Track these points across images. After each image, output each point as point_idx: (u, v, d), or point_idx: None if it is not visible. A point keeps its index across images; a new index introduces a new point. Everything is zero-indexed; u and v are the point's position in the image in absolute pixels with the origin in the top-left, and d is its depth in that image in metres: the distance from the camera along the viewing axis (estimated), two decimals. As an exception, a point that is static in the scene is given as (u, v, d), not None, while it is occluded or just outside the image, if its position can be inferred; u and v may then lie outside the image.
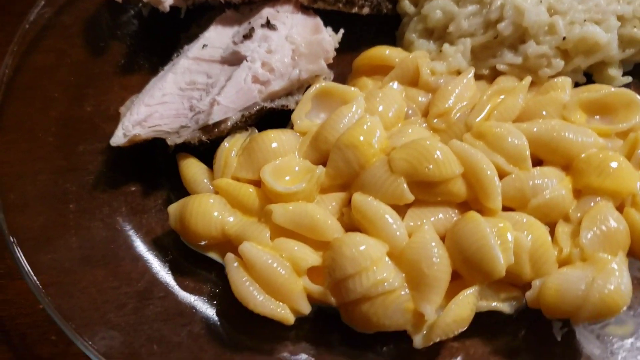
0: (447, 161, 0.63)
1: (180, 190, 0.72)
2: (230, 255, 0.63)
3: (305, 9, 0.81)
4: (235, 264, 0.62)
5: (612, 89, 0.72)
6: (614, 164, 0.64)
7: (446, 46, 0.77)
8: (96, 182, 0.76)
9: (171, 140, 0.71)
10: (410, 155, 0.63)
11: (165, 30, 0.85)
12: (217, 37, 0.79)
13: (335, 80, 0.80)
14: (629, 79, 0.79)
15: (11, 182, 0.75)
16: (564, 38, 0.74)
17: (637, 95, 0.71)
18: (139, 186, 0.75)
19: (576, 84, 0.78)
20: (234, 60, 0.75)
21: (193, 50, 0.78)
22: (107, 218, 0.73)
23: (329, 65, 0.79)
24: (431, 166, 0.62)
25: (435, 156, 0.63)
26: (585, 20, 0.74)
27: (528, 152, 0.65)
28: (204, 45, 0.78)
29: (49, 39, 0.87)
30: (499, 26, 0.75)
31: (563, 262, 0.61)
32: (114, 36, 0.88)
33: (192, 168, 0.71)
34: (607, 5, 0.75)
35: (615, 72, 0.78)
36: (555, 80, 0.74)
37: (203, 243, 0.67)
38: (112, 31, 0.89)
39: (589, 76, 0.80)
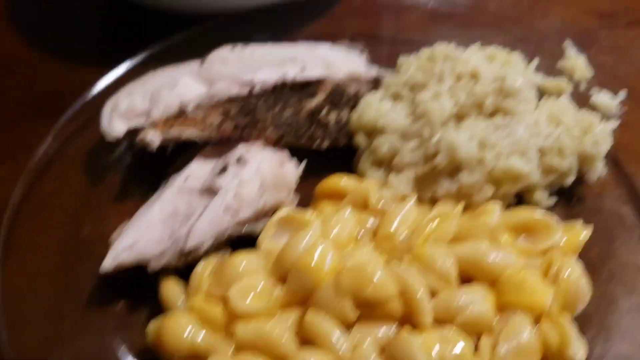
0: (384, 283, 0.74)
1: (161, 307, 0.83)
2: (199, 370, 0.73)
3: (273, 144, 0.95)
4: (204, 377, 0.72)
5: (534, 213, 0.84)
6: (530, 281, 0.75)
7: (392, 176, 0.90)
8: (89, 301, 0.86)
9: (151, 267, 0.82)
10: (353, 278, 0.74)
11: (154, 162, 0.98)
12: (198, 170, 0.92)
13: (300, 202, 0.93)
14: (553, 201, 0.91)
15: (16, 300, 0.86)
16: (492, 169, 0.86)
17: (553, 220, 0.82)
18: (125, 304, 0.86)
19: (508, 205, 0.90)
20: (211, 191, 0.88)
21: (176, 182, 0.91)
22: (97, 334, 0.83)
23: (296, 192, 0.92)
24: (370, 288, 0.73)
25: (375, 278, 0.74)
26: (509, 153, 0.87)
27: (455, 273, 0.76)
28: (187, 178, 0.91)
29: (54, 169, 1.00)
30: (437, 159, 0.88)
31: (484, 373, 0.71)
32: (110, 167, 1.02)
33: (171, 287, 0.82)
34: (529, 139, 0.88)
35: (540, 195, 0.90)
36: (487, 205, 0.86)
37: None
38: (109, 162, 1.02)
39: (520, 197, 0.92)
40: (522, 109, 0.91)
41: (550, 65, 1.05)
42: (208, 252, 0.84)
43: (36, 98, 1.20)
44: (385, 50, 1.17)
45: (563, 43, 1.05)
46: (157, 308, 0.84)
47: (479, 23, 1.18)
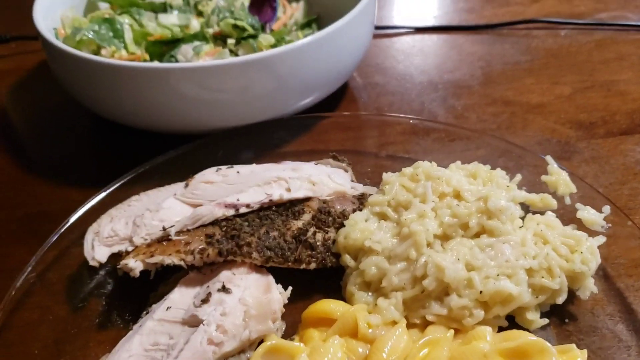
0: (376, 420, 0.70)
1: None
2: None
3: (258, 268, 0.93)
4: None
5: (529, 338, 0.81)
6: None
7: (380, 300, 0.88)
8: None
9: (131, 403, 0.79)
10: (343, 416, 0.71)
11: (137, 288, 0.96)
12: (180, 299, 0.90)
13: (287, 328, 0.91)
14: (545, 321, 0.89)
15: None
16: (481, 292, 0.85)
17: (548, 344, 0.80)
18: None
19: (500, 328, 0.88)
20: (193, 322, 0.85)
21: (158, 312, 0.88)
22: None
23: (283, 316, 0.90)
24: None
25: (365, 416, 0.70)
26: (498, 275, 0.86)
27: (449, 408, 0.73)
28: (168, 307, 0.88)
29: (35, 296, 0.98)
30: (424, 282, 0.86)
31: None
32: (91, 294, 0.99)
33: None
34: (516, 260, 0.87)
35: (532, 315, 0.88)
36: (478, 329, 0.84)
37: None
38: (90, 289, 1.00)
39: (512, 318, 0.90)
40: (507, 229, 0.90)
41: (533, 179, 1.07)
42: (190, 389, 0.80)
43: (21, 219, 1.19)
44: (369, 166, 1.18)
45: (544, 157, 1.06)
46: None
47: (459, 137, 1.21)
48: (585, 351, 0.81)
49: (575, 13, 1.68)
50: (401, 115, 1.29)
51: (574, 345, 0.82)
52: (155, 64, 1.19)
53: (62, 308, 0.98)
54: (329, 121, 1.29)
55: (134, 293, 0.97)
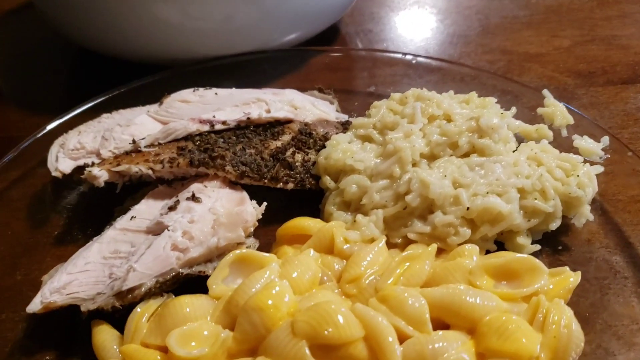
0: (347, 324, 0.64)
1: (94, 357, 0.72)
2: None
3: (232, 184, 0.87)
4: None
5: (517, 255, 0.75)
6: (514, 328, 0.65)
7: (359, 217, 0.82)
8: (11, 351, 0.75)
9: (85, 307, 0.72)
10: (312, 318, 0.64)
11: (102, 204, 0.90)
12: (146, 210, 0.84)
13: (260, 248, 0.84)
14: (537, 247, 0.82)
15: None
16: (468, 208, 0.78)
17: (539, 261, 0.74)
18: (54, 354, 0.74)
19: (487, 252, 0.81)
20: (158, 230, 0.79)
21: (122, 221, 0.82)
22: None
23: (256, 236, 0.84)
24: (331, 329, 0.63)
25: (336, 319, 0.64)
26: (487, 193, 0.80)
27: (427, 316, 0.66)
28: (132, 217, 0.82)
29: (-6, 212, 0.92)
30: (407, 198, 0.80)
31: None
32: (54, 210, 0.93)
33: (103, 334, 0.71)
34: (507, 178, 0.81)
35: (523, 240, 0.82)
36: (463, 246, 0.77)
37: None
38: (53, 205, 0.94)
39: (501, 245, 0.83)
40: (499, 148, 0.85)
41: (530, 116, 1.01)
42: (148, 295, 0.74)
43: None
44: (357, 102, 1.12)
45: (541, 94, 1.00)
46: (88, 359, 0.73)
47: (454, 78, 1.15)
48: (579, 273, 0.75)
49: (578, -26, 1.63)
50: (394, 51, 1.23)
51: (567, 268, 0.76)
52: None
53: (21, 224, 0.92)
54: (317, 59, 1.23)
55: (98, 209, 0.91)
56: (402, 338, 0.65)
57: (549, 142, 0.92)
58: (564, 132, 0.95)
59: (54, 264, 0.83)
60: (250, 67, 1.16)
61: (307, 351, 0.63)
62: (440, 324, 0.69)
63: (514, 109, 0.98)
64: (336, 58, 1.24)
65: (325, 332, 0.63)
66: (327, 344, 0.64)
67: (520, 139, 0.95)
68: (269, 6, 1.12)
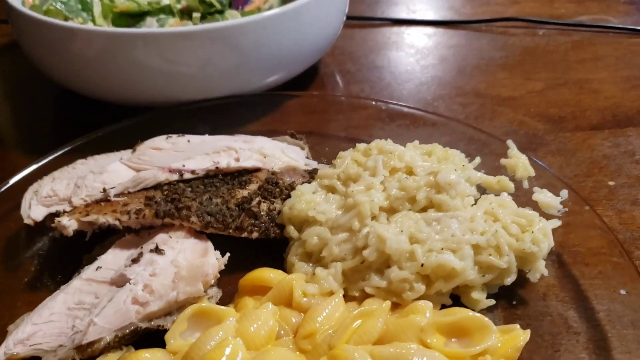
0: (296, 386, 0.66)
1: (53, 409, 0.74)
2: None
3: (198, 234, 0.89)
4: None
5: (469, 313, 0.78)
6: (458, 389, 0.68)
7: (318, 270, 0.84)
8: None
9: (46, 359, 0.74)
10: (261, 380, 0.67)
11: (72, 251, 0.92)
12: (112, 260, 0.86)
13: (223, 298, 0.86)
14: (492, 302, 0.84)
15: None
16: (422, 265, 0.81)
17: (488, 320, 0.76)
18: (12, 405, 0.77)
19: (443, 306, 0.84)
20: (120, 282, 0.81)
21: (87, 271, 0.84)
22: None
23: (220, 285, 0.86)
24: (278, 392, 0.65)
25: (284, 380, 0.66)
26: (442, 249, 0.82)
27: (374, 377, 0.69)
28: (98, 267, 0.84)
29: (-34, 255, 0.94)
30: (365, 252, 0.83)
31: None
32: (27, 255, 0.95)
33: (63, 388, 0.74)
34: (463, 235, 0.83)
35: (478, 295, 0.84)
36: (417, 303, 0.80)
37: None
38: (26, 250, 0.96)
39: (457, 298, 0.86)
40: (456, 204, 0.87)
41: (493, 164, 1.03)
42: (109, 348, 0.76)
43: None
44: (328, 146, 1.15)
45: (505, 141, 1.03)
46: (49, 411, 0.75)
47: (425, 123, 1.17)
48: (528, 331, 0.77)
49: (556, 15, 1.66)
50: (366, 97, 1.26)
51: (517, 326, 0.78)
52: (115, 29, 1.16)
53: (-7, 268, 0.94)
54: (293, 102, 1.26)
55: (69, 256, 0.93)
56: (347, 399, 0.67)
57: (511, 193, 0.95)
58: (525, 184, 0.98)
59: (25, 310, 0.85)
60: (227, 110, 1.19)
61: (255, 412, 0.65)
62: (388, 383, 0.71)
63: (478, 159, 1.01)
64: (312, 101, 1.27)
65: (274, 394, 0.65)
66: (275, 406, 0.66)
67: (482, 190, 0.97)
68: (247, 52, 1.15)
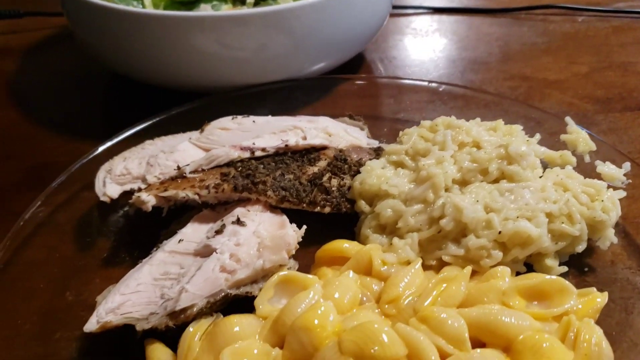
0: (392, 343, 0.68)
1: (147, 375, 0.76)
2: None
3: (273, 208, 0.92)
4: None
5: (547, 277, 0.79)
6: (548, 345, 0.69)
7: (396, 240, 0.86)
8: (67, 370, 0.80)
9: (140, 326, 0.76)
10: (358, 337, 0.68)
11: (148, 227, 0.94)
12: (192, 233, 0.88)
13: (299, 270, 0.88)
14: (564, 269, 0.86)
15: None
16: (500, 232, 0.83)
17: (568, 282, 0.78)
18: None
19: (517, 273, 0.85)
20: (206, 252, 0.83)
21: (170, 244, 0.86)
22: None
23: (295, 257, 0.88)
24: (377, 348, 0.67)
25: (381, 338, 0.68)
26: (517, 217, 0.84)
27: (467, 335, 0.70)
28: (180, 240, 0.87)
29: (41, 235, 0.96)
30: (442, 222, 0.85)
31: None
32: (101, 233, 0.98)
33: (157, 353, 0.76)
34: (536, 204, 0.85)
35: (551, 262, 0.85)
36: (496, 269, 0.81)
37: None
38: (99, 228, 0.98)
39: (530, 267, 0.87)
40: (527, 175, 0.89)
41: (552, 142, 1.05)
42: (199, 315, 0.78)
43: (30, 169, 1.17)
44: (386, 128, 1.17)
45: (563, 120, 1.05)
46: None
47: (478, 105, 1.19)
48: (605, 293, 0.79)
49: (593, 2, 1.68)
50: (419, 79, 1.28)
51: (594, 289, 0.80)
52: (172, 12, 1.18)
53: (69, 247, 0.96)
54: (346, 86, 1.28)
55: (144, 232, 0.95)
56: (442, 357, 0.69)
57: (572, 168, 0.97)
58: (587, 158, 1.00)
59: (103, 286, 0.87)
60: (283, 94, 1.21)
61: (355, 369, 0.67)
62: (476, 343, 0.73)
63: (538, 136, 1.02)
64: (363, 85, 1.30)
65: (372, 351, 0.67)
66: (372, 361, 0.68)
67: (544, 165, 0.99)
68: (300, 37, 1.17)
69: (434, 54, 1.50)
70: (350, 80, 1.28)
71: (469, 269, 0.81)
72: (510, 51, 1.48)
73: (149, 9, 1.21)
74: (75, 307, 0.87)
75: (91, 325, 0.77)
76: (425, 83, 1.23)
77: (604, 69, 1.40)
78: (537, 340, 0.70)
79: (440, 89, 1.21)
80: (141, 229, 0.96)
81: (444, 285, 0.79)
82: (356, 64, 1.42)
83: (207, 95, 1.19)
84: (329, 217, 0.96)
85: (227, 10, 1.26)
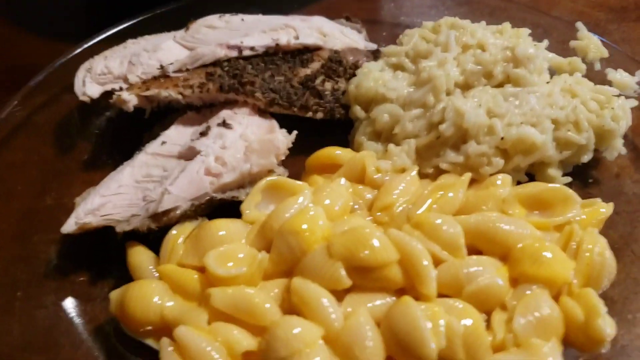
0: (383, 248, 0.65)
1: (128, 278, 0.73)
2: (165, 340, 0.63)
3: (262, 112, 0.86)
4: (170, 349, 0.62)
5: (550, 185, 0.75)
6: (548, 254, 0.66)
7: (391, 146, 0.82)
8: (45, 271, 0.77)
9: (120, 228, 0.73)
10: (349, 241, 0.65)
11: (130, 130, 0.90)
12: (176, 135, 0.83)
13: (289, 177, 0.84)
14: (568, 179, 0.82)
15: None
16: (502, 138, 0.78)
17: (572, 191, 0.74)
18: (87, 275, 0.76)
19: (518, 183, 0.81)
20: (190, 155, 0.79)
21: (152, 146, 0.82)
22: (52, 306, 0.73)
23: (285, 165, 0.83)
24: (367, 252, 0.64)
25: (372, 242, 0.65)
26: (521, 123, 0.79)
27: (462, 241, 0.67)
28: (163, 142, 0.82)
29: (19, 137, 0.91)
30: (441, 127, 0.80)
31: (497, 348, 0.61)
32: (81, 135, 0.93)
33: (139, 255, 0.73)
34: (542, 109, 0.80)
35: (555, 172, 0.81)
36: (497, 176, 0.77)
37: (142, 330, 0.67)
38: (80, 131, 0.94)
39: (532, 177, 0.83)
40: (534, 79, 0.83)
41: (560, 50, 0.98)
42: (183, 218, 0.74)
43: (7, 70, 1.11)
44: (386, 32, 1.10)
45: (573, 27, 0.98)
46: (122, 280, 0.73)
47: (482, 12, 1.12)
48: (611, 204, 0.75)
49: None
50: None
51: (598, 200, 0.76)
52: None
53: (48, 150, 0.92)
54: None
55: (126, 135, 0.90)
56: (436, 263, 0.66)
57: (582, 76, 0.91)
58: (597, 66, 0.93)
59: (84, 189, 0.83)
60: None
61: (343, 272, 0.64)
62: (472, 251, 0.69)
63: (546, 42, 0.96)
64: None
65: (362, 255, 0.64)
66: (362, 266, 0.64)
67: (552, 73, 0.93)
68: None
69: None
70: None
71: (468, 175, 0.77)
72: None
73: None
74: (55, 211, 0.83)
75: (69, 226, 0.73)
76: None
77: (619, -25, 1.31)
78: (536, 249, 0.67)
79: (444, -8, 1.13)
80: (123, 132, 0.92)
81: (441, 192, 0.75)
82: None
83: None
84: (321, 123, 0.91)
85: None
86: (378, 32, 1.10)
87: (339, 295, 0.65)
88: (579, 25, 0.97)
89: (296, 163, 0.86)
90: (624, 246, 0.77)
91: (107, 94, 0.89)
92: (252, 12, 1.05)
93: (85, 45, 0.99)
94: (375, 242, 0.65)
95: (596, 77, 0.92)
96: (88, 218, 0.74)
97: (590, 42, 0.95)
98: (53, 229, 0.80)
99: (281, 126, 0.86)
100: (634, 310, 0.71)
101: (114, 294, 0.68)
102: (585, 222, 0.73)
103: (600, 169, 0.87)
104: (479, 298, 0.64)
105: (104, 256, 0.77)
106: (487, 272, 0.66)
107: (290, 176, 0.84)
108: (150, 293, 0.66)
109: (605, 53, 0.94)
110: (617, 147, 0.84)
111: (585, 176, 0.86)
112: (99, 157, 0.90)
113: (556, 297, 0.65)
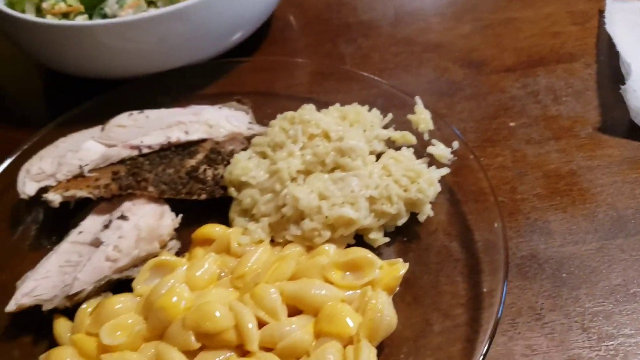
0: (222, 317, 0.90)
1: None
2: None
3: (156, 199, 1.12)
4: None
5: (359, 252, 1.00)
6: (341, 312, 0.92)
7: (250, 224, 1.07)
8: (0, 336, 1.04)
9: (45, 307, 1.00)
10: (197, 315, 0.91)
11: (63, 217, 1.16)
12: (90, 225, 1.10)
13: (183, 249, 1.11)
14: (387, 239, 1.07)
15: None
16: (327, 217, 1.03)
17: (374, 256, 0.99)
18: (30, 339, 1.01)
19: (349, 245, 1.07)
20: (97, 243, 1.05)
21: (72, 235, 1.08)
22: (6, 361, 1.01)
23: (180, 237, 1.10)
24: (209, 323, 0.90)
25: (213, 315, 0.91)
26: (343, 203, 1.04)
27: (280, 305, 0.93)
28: (80, 232, 1.08)
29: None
30: (284, 209, 1.05)
31: (300, 391, 0.88)
32: (29, 221, 1.19)
33: (61, 326, 0.99)
34: (359, 190, 1.05)
35: (375, 235, 1.06)
36: (322, 246, 1.03)
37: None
38: (28, 217, 1.20)
39: (361, 237, 1.08)
40: (358, 164, 1.08)
41: (405, 118, 1.21)
42: (91, 295, 1.01)
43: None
44: (270, 108, 1.33)
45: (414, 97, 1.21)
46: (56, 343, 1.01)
47: (358, 79, 1.34)
48: (407, 264, 1.00)
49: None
50: (301, 60, 1.43)
51: (400, 260, 1.01)
52: (78, 22, 1.34)
53: (4, 235, 1.18)
54: (244, 65, 1.44)
55: (62, 221, 1.16)
56: (262, 325, 0.92)
57: (415, 144, 1.16)
58: (426, 137, 1.18)
59: (31, 267, 1.10)
60: (184, 79, 1.38)
61: (193, 338, 0.91)
62: (296, 311, 0.96)
63: (390, 116, 1.20)
64: (258, 63, 1.45)
65: (206, 324, 0.90)
66: (207, 332, 0.91)
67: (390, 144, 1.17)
68: (198, 23, 1.33)
69: (334, 20, 1.62)
70: (244, 63, 1.43)
71: (298, 248, 1.03)
72: (404, 12, 1.59)
73: (50, 20, 1.35)
74: (8, 287, 1.10)
75: (10, 306, 1.01)
76: (307, 62, 1.39)
77: (485, 27, 1.50)
78: (334, 308, 0.93)
79: (326, 67, 1.37)
80: (59, 219, 1.17)
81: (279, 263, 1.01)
82: (260, 33, 1.55)
83: (121, 83, 1.36)
84: (211, 200, 1.16)
85: (130, 2, 1.40)
86: (266, 108, 1.33)
87: (194, 354, 0.92)
88: (417, 99, 1.21)
89: (188, 234, 1.11)
90: (424, 294, 0.98)
91: (43, 189, 1.16)
92: (163, 100, 1.31)
93: (25, 146, 1.25)
94: (217, 314, 0.91)
95: (425, 145, 1.16)
96: (24, 299, 1.01)
97: (421, 117, 1.18)
98: (5, 301, 1.07)
99: (177, 205, 1.12)
100: (420, 346, 0.94)
101: (42, 358, 0.96)
102: (384, 281, 0.98)
103: (421, 226, 1.10)
104: (289, 351, 0.90)
105: (38, 326, 1.04)
106: (298, 330, 0.92)
107: (183, 246, 1.11)
108: (63, 357, 0.94)
109: (431, 126, 1.18)
110: (426, 212, 1.08)
111: (407, 233, 1.09)
112: (40, 241, 1.15)
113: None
